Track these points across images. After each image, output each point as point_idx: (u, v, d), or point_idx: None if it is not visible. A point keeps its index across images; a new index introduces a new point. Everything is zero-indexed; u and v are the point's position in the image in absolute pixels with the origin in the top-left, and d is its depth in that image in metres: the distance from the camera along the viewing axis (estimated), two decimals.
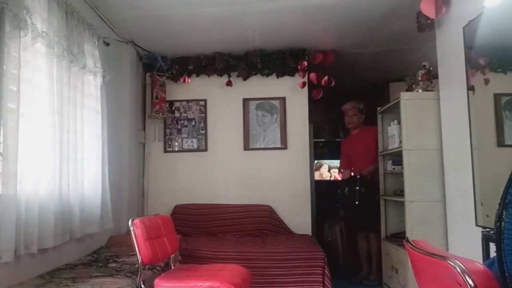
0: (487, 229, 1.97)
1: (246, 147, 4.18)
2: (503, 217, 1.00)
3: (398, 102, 2.98)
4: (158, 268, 2.56)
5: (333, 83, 4.11)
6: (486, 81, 2.18)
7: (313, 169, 5.17)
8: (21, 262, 2.09)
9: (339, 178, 6.42)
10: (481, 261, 1.81)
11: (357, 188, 3.55)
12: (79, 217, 2.60)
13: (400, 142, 3.02)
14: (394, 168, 3.33)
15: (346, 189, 3.67)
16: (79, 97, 2.71)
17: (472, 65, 2.29)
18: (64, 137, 2.46)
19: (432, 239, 2.41)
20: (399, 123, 3.06)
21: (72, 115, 2.59)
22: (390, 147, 3.32)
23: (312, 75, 4.04)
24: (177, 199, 4.10)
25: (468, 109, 2.30)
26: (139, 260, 2.14)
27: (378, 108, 3.66)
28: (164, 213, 3.21)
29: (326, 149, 6.33)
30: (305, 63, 4.03)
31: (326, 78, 4.03)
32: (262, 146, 4.19)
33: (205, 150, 4.22)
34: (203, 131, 4.25)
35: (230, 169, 4.17)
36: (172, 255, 2.52)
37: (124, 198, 3.66)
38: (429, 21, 2.78)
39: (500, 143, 2.13)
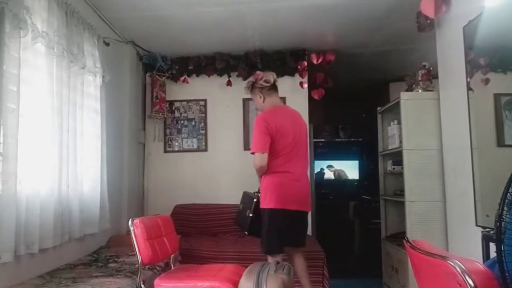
0: (487, 229, 1.97)
1: (246, 147, 4.17)
2: (503, 217, 1.00)
3: (398, 102, 2.98)
4: (158, 268, 2.57)
5: (329, 84, 4.11)
6: (486, 81, 2.18)
7: (313, 169, 5.17)
8: (21, 262, 2.09)
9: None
10: (481, 261, 1.81)
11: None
12: (78, 217, 2.60)
13: (400, 142, 3.02)
14: (394, 168, 3.33)
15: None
16: (79, 97, 2.71)
17: (472, 65, 2.29)
18: (63, 137, 2.46)
19: (432, 239, 2.41)
20: (399, 123, 3.06)
21: (72, 115, 2.59)
22: (390, 147, 3.32)
23: (319, 75, 4.07)
24: (177, 199, 4.10)
25: (468, 109, 2.30)
26: (139, 260, 2.14)
27: (378, 108, 3.66)
28: (164, 213, 3.20)
29: (326, 149, 6.35)
30: (305, 63, 4.03)
31: (322, 76, 4.05)
32: None
33: (205, 150, 4.23)
34: (203, 131, 4.24)
35: (230, 169, 4.16)
36: (172, 255, 2.52)
37: (124, 198, 3.65)
38: (429, 21, 2.78)
39: (500, 143, 2.13)
